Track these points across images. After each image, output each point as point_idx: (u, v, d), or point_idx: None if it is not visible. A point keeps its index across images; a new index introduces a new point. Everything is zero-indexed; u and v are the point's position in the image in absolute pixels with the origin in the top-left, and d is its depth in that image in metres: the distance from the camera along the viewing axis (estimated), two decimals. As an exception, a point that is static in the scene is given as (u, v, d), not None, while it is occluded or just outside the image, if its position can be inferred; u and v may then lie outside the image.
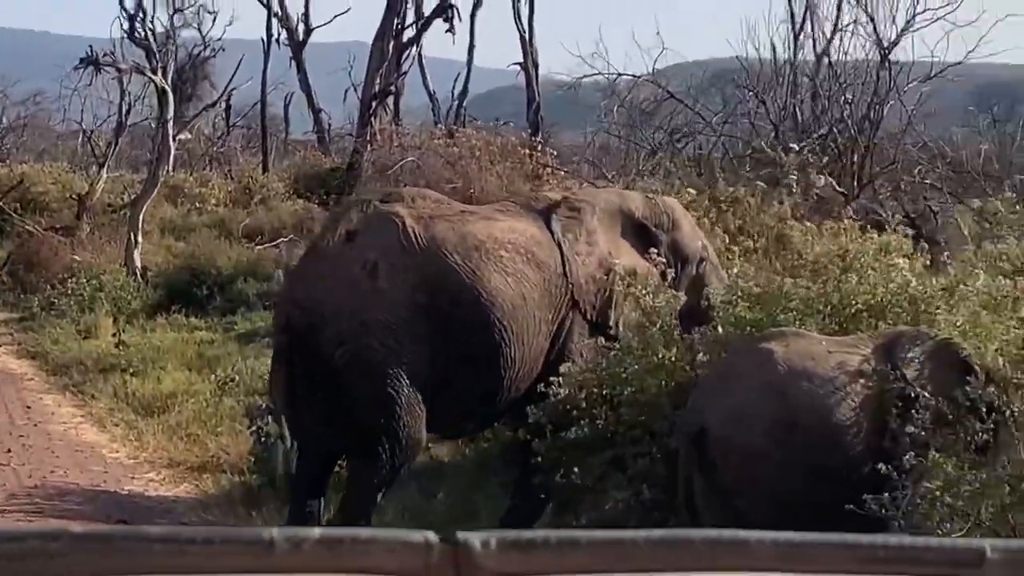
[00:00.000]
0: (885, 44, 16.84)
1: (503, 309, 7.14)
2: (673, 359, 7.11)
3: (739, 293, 7.06)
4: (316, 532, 1.04)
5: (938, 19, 16.81)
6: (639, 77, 18.22)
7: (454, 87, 23.96)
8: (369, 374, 6.76)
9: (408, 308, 6.88)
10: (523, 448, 7.10)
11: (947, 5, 16.93)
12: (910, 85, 16.77)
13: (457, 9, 21.54)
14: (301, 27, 24.63)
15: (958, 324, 6.73)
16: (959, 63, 17.09)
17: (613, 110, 18.16)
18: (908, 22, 16.89)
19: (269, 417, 7.74)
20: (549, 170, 15.96)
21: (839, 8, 17.80)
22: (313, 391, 6.75)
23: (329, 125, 25.61)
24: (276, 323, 7.46)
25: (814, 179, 12.91)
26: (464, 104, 23.30)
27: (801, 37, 17.98)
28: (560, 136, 21.86)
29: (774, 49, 17.75)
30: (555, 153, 16.81)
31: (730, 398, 5.93)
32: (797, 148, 13.95)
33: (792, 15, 18.15)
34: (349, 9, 25.03)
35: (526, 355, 7.26)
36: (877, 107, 15.97)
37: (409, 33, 21.44)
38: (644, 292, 7.34)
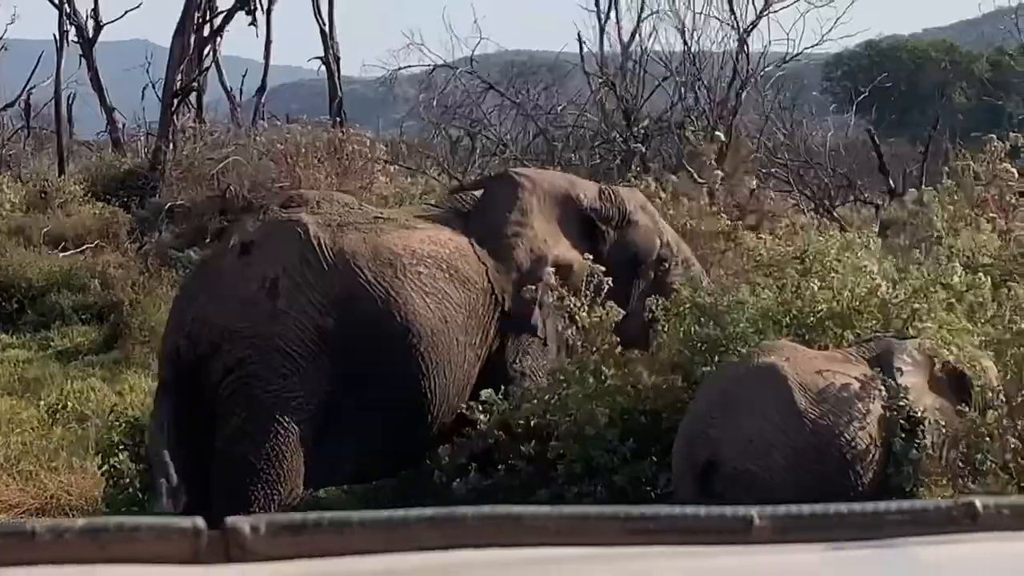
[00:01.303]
0: (742, 28, 17.57)
1: (422, 335, 7.12)
2: (615, 383, 7.27)
3: (685, 304, 7.24)
4: (80, 521, 1.18)
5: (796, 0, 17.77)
6: (457, 68, 19.61)
7: (242, 83, 25.64)
8: (255, 407, 6.70)
9: (311, 332, 6.85)
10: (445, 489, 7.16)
11: None
12: (766, 69, 18.04)
13: (260, 1, 23.25)
14: (91, 23, 25.50)
15: (939, 332, 6.97)
16: (814, 45, 18.75)
17: (432, 102, 19.63)
18: (767, 3, 17.64)
19: (124, 454, 7.75)
20: (379, 166, 16.99)
21: None
22: (201, 430, 6.70)
23: (124, 124, 26.23)
24: (161, 353, 7.43)
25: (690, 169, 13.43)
26: (263, 100, 24.73)
27: (650, 22, 19.01)
28: (372, 130, 23.12)
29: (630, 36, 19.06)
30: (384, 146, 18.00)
31: (742, 426, 6.02)
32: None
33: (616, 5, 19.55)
34: (140, 4, 26.46)
35: (450, 386, 7.26)
36: (737, 94, 17.09)
37: (211, 27, 22.74)
38: (579, 305, 7.46)
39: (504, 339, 7.49)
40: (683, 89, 17.81)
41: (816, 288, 7.12)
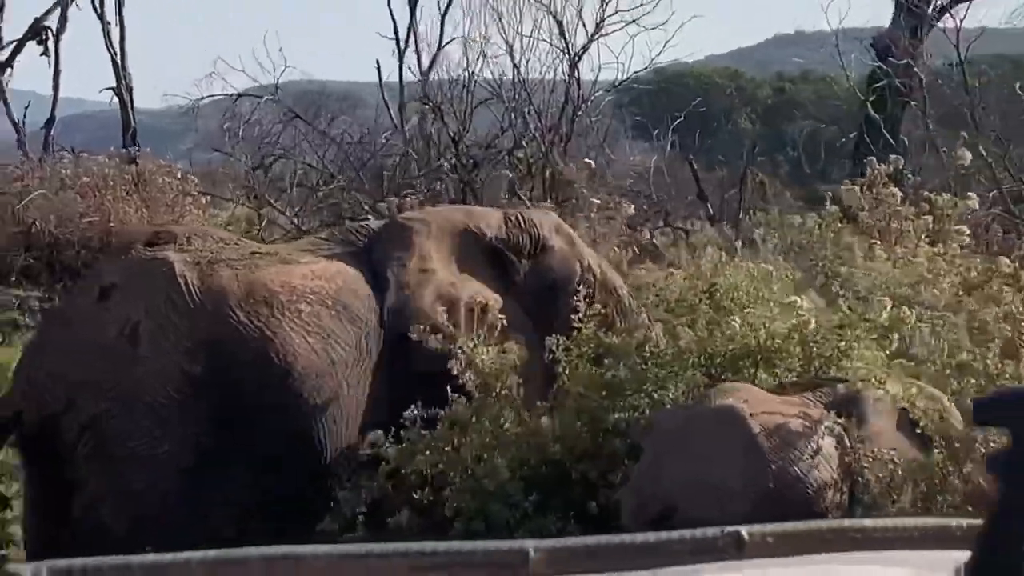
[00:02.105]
0: (573, 51, 18.02)
1: (304, 378, 7.01)
2: (516, 430, 7.25)
3: (587, 345, 7.25)
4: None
5: (631, 22, 18.31)
6: (262, 98, 20.45)
7: (25, 115, 25.58)
8: (116, 469, 6.56)
9: (177, 379, 6.73)
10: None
11: (638, 7, 18.86)
12: (596, 94, 18.77)
13: (51, 30, 24.14)
14: None
15: (866, 370, 7.07)
16: (644, 69, 19.64)
17: (238, 131, 20.15)
18: (598, 26, 18.10)
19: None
20: (190, 198, 17.36)
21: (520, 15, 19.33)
22: (58, 500, 6.56)
23: None
24: (3, 414, 7.07)
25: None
26: (52, 133, 25.07)
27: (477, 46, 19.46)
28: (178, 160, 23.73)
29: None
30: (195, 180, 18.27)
31: (702, 472, 6.06)
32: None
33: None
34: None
35: (340, 432, 7.15)
36: (569, 119, 17.77)
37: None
38: (482, 351, 7.40)
39: (406, 386, 7.36)
40: (513, 115, 18.16)
41: (737, 326, 7.16)
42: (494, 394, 7.34)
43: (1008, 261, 10.01)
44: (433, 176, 17.21)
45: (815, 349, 7.28)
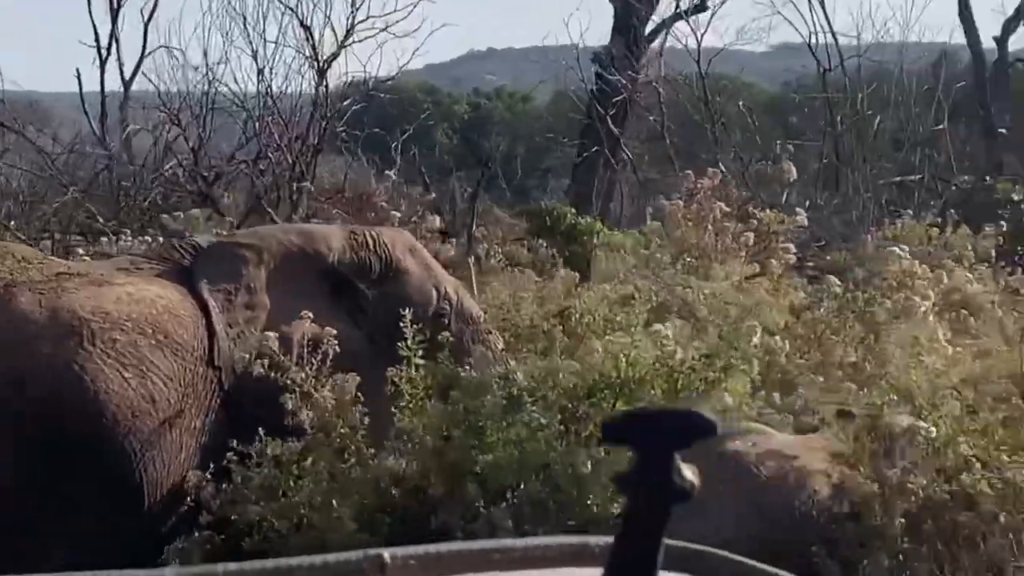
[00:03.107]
0: (322, 60, 17.80)
1: (118, 417, 6.38)
2: (358, 476, 6.66)
3: (433, 378, 6.66)
4: None
5: (384, 29, 18.13)
6: None
7: None
8: None
9: None
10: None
11: (390, 13, 18.50)
12: (343, 104, 18.28)
13: None
14: None
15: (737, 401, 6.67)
16: (391, 78, 19.60)
17: None
18: (348, 32, 17.94)
19: None
20: None
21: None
22: None
23: None
24: None
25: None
26: None
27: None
28: None
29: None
30: None
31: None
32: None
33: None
34: None
35: (161, 485, 6.55)
36: (318, 130, 17.33)
37: None
38: (320, 385, 6.80)
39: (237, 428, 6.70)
40: (257, 125, 17.64)
41: (599, 353, 6.64)
42: (334, 434, 6.69)
43: (777, 263, 9.96)
44: (169, 188, 16.52)
45: (681, 380, 6.80)
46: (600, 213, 16.85)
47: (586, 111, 19.93)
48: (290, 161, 16.58)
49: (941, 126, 19.63)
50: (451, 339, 7.19)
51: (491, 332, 7.77)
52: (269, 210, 14.33)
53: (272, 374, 6.70)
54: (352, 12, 17.91)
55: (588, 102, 20.36)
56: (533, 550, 1.64)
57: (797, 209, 12.64)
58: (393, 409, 6.77)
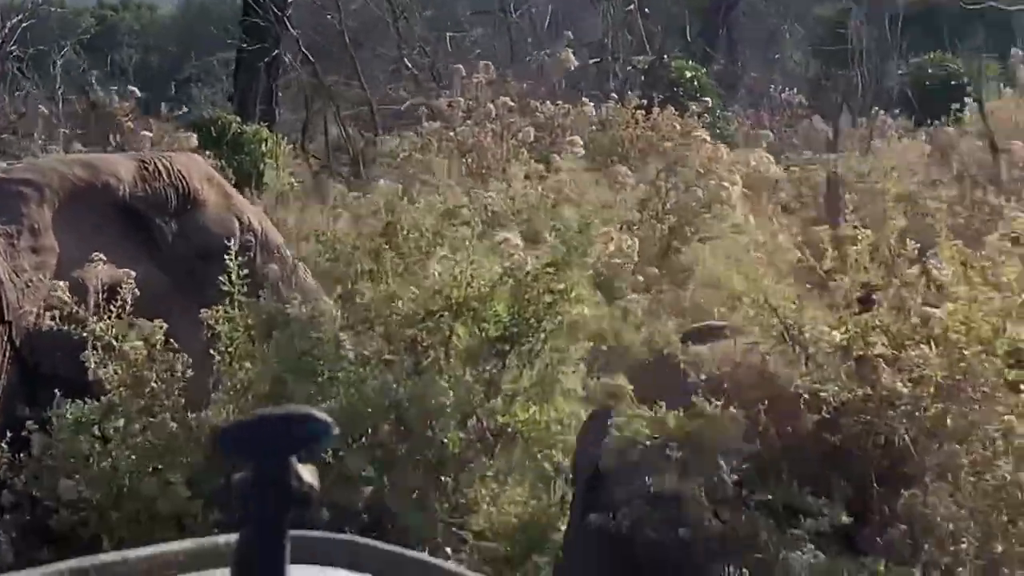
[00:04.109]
0: None
1: None
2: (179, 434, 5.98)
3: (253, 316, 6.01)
4: None
5: None
6: None
7: None
8: None
9: None
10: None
11: None
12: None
13: None
14: None
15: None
16: None
17: None
18: None
19: None
20: None
21: None
22: None
23: None
24: None
25: None
26: None
27: None
28: None
29: None
30: None
31: None
32: None
33: None
34: None
35: None
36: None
37: None
38: (123, 336, 6.08)
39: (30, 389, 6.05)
40: None
41: (436, 274, 6.03)
42: (147, 389, 5.98)
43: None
44: None
45: (528, 294, 6.23)
46: (263, 118, 15.87)
47: (243, 10, 18.54)
48: None
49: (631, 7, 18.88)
50: (260, 274, 6.56)
51: (298, 263, 7.15)
52: None
53: (67, 326, 5.98)
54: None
55: (243, 6, 18.85)
56: (159, 558, 1.63)
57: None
58: (212, 354, 6.12)
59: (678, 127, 11.41)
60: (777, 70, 21.86)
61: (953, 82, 17.74)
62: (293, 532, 1.43)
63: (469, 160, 9.81)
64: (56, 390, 5.98)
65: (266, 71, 17.21)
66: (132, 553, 1.64)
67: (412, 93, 15.40)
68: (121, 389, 6.02)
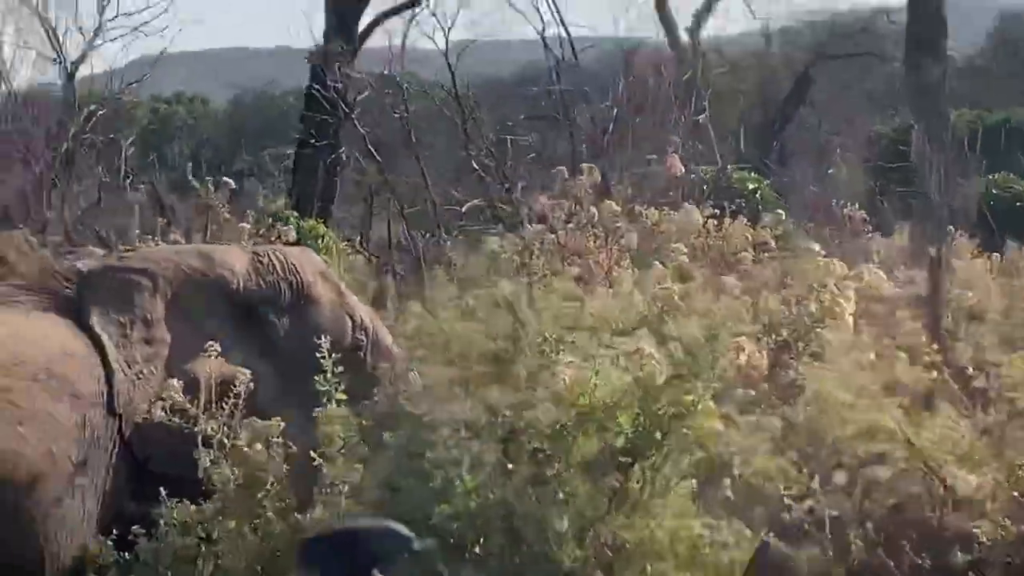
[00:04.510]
0: (69, 60, 17.15)
1: (14, 481, 5.58)
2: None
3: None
4: None
5: (134, 28, 17.61)
6: None
7: None
8: None
9: None
10: None
11: (143, 10, 19.14)
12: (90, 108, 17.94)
13: None
14: None
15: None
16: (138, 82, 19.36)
17: None
18: (97, 31, 17.36)
19: None
20: None
21: None
22: None
23: None
24: None
25: None
26: None
27: None
28: None
29: None
30: None
31: None
32: None
33: None
34: None
35: (63, 556, 5.76)
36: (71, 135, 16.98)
37: None
38: (217, 428, 5.92)
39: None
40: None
41: (564, 381, 5.83)
42: (260, 491, 5.81)
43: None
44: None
45: (655, 408, 6.02)
46: (319, 215, 15.96)
47: (305, 105, 18.80)
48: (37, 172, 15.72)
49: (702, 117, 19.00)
50: (371, 375, 6.40)
51: (411, 368, 6.97)
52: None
53: (177, 421, 5.82)
54: (100, 12, 18.04)
55: (305, 102, 19.14)
56: None
57: (685, 203, 12.03)
58: (316, 456, 5.94)
59: (749, 238, 11.30)
60: (830, 184, 21.86)
61: (1018, 203, 17.75)
62: None
63: (569, 265, 9.68)
64: (162, 487, 5.80)
65: (327, 167, 17.27)
66: None
67: (476, 194, 15.36)
68: (233, 489, 5.84)
